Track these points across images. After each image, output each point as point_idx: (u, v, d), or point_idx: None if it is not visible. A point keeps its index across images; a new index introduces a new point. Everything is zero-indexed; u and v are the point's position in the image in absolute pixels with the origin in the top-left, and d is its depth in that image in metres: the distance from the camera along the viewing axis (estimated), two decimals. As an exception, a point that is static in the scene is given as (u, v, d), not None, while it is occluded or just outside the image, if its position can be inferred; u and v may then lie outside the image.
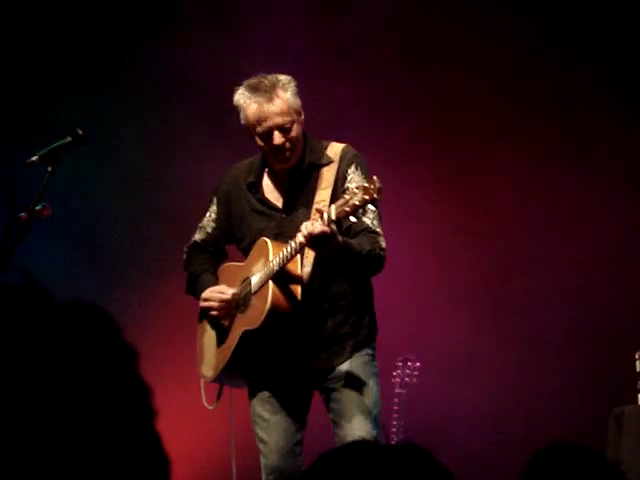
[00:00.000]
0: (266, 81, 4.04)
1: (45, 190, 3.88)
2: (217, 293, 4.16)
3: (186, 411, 5.57)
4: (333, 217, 3.72)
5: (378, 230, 4.04)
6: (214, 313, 4.16)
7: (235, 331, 4.13)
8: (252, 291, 4.07)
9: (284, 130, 4.04)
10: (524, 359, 6.31)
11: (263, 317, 3.95)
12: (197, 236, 4.34)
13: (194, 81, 6.51)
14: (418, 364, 6.11)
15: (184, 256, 4.36)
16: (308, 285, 3.98)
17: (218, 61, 6.40)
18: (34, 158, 3.90)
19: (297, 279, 3.98)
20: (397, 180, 6.23)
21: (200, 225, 4.34)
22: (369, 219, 4.02)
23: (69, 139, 3.95)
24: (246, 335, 4.05)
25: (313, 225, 3.74)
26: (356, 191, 3.69)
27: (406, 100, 6.51)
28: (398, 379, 6.04)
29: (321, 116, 5.55)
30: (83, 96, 6.44)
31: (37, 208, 3.87)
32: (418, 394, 6.07)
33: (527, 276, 6.41)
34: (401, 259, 6.16)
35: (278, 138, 4.04)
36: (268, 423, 4.13)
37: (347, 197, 3.71)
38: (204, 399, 4.27)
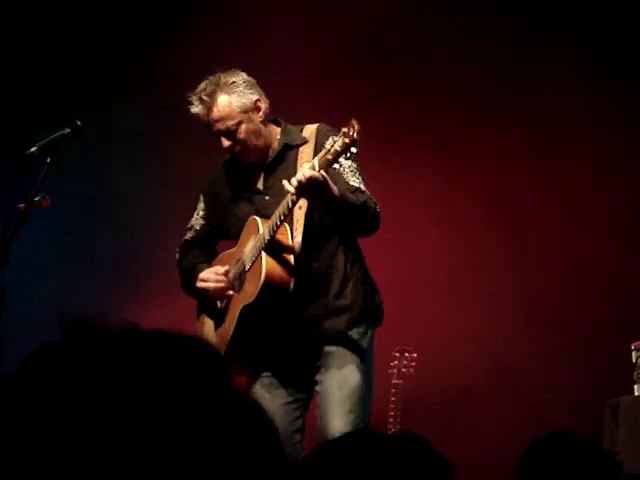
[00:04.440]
0: (208, 88, 4.08)
1: (44, 181, 3.89)
2: (213, 273, 4.17)
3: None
4: (317, 167, 3.73)
5: (368, 193, 4.04)
6: (211, 289, 4.16)
7: (234, 311, 4.13)
8: (246, 268, 4.08)
9: (229, 134, 4.08)
10: (522, 350, 6.32)
11: (259, 289, 3.96)
12: (187, 235, 4.37)
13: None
14: (415, 355, 6.12)
15: (176, 256, 4.38)
16: (299, 256, 3.99)
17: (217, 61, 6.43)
18: (33, 149, 3.90)
19: (289, 250, 3.99)
20: (395, 171, 6.25)
21: (189, 225, 4.37)
22: (357, 182, 4.03)
23: (68, 130, 3.96)
24: (245, 311, 4.06)
25: (302, 173, 3.74)
26: (336, 138, 3.72)
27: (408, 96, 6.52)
28: (395, 370, 6.04)
29: (321, 113, 5.56)
30: (84, 93, 6.46)
31: (36, 199, 3.88)
32: (415, 385, 6.08)
33: (525, 268, 6.42)
34: (399, 249, 6.18)
35: (224, 142, 4.09)
36: (267, 410, 4.10)
37: (328, 146, 3.73)
38: None
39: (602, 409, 4.87)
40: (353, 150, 3.71)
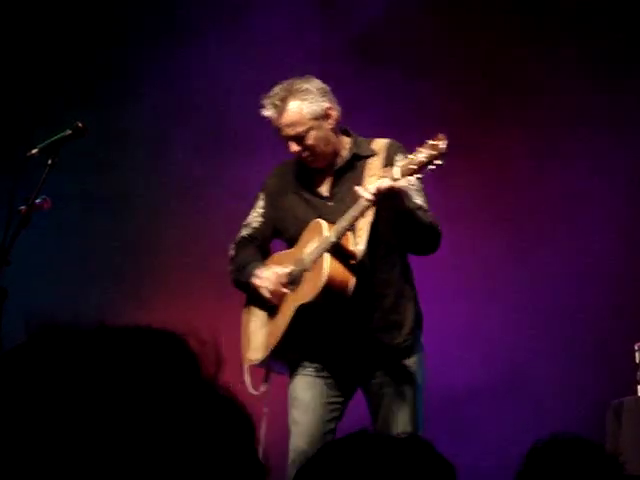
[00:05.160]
0: (281, 93, 4.15)
1: (45, 183, 3.88)
2: (273, 273, 4.18)
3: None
4: (398, 176, 3.76)
5: (431, 213, 4.11)
6: (267, 293, 4.17)
7: (288, 309, 4.15)
8: (306, 268, 4.10)
9: (298, 139, 4.13)
10: (523, 350, 6.31)
11: (319, 289, 3.98)
12: (244, 232, 4.38)
13: (194, 80, 6.54)
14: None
15: (231, 252, 4.39)
16: (360, 264, 4.01)
17: (217, 62, 6.44)
18: (34, 151, 3.90)
19: (351, 256, 4.02)
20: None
21: (245, 222, 4.39)
22: (420, 201, 4.09)
23: (69, 132, 3.95)
24: (300, 311, 4.08)
25: (381, 181, 3.79)
26: (421, 150, 3.75)
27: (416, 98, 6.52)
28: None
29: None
30: (84, 94, 6.47)
31: (37, 201, 3.88)
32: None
33: (525, 269, 6.41)
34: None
35: (293, 147, 4.15)
36: (305, 406, 4.16)
37: (412, 156, 3.78)
38: (249, 384, 4.28)
39: (605, 410, 4.86)
40: (438, 162, 3.75)
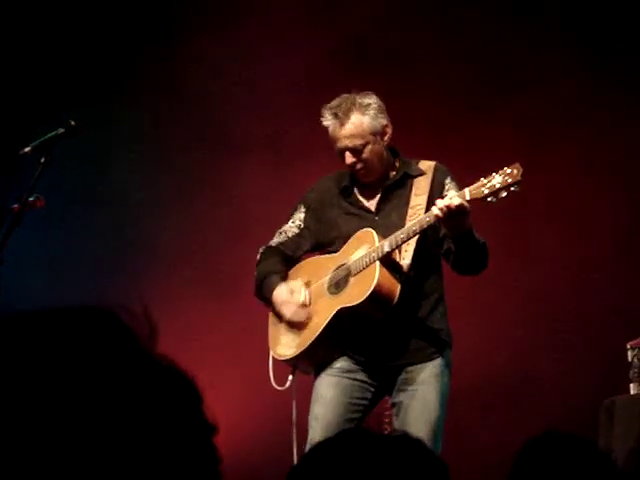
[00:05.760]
0: (344, 104, 4.22)
1: (38, 181, 3.88)
2: (287, 290, 4.24)
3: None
4: (468, 197, 3.84)
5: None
6: (288, 313, 4.23)
7: (327, 310, 4.20)
8: (352, 273, 4.17)
9: (355, 151, 4.20)
10: (516, 350, 6.32)
11: (366, 295, 4.04)
12: (275, 240, 4.42)
13: (191, 81, 6.54)
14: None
15: (258, 257, 4.44)
16: (406, 277, 4.09)
17: (215, 63, 6.45)
18: (27, 149, 3.90)
19: (398, 268, 4.10)
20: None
21: (280, 230, 4.43)
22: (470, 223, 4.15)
23: (62, 130, 3.95)
24: (341, 313, 4.14)
25: (451, 199, 3.85)
26: (496, 175, 3.83)
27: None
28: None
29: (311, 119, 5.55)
30: (83, 94, 6.47)
31: (30, 199, 3.88)
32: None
33: (523, 268, 6.42)
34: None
35: (348, 158, 4.21)
36: (327, 403, 4.21)
37: (484, 181, 3.85)
38: (273, 380, 4.33)
39: (598, 408, 4.87)
40: (512, 189, 3.84)
